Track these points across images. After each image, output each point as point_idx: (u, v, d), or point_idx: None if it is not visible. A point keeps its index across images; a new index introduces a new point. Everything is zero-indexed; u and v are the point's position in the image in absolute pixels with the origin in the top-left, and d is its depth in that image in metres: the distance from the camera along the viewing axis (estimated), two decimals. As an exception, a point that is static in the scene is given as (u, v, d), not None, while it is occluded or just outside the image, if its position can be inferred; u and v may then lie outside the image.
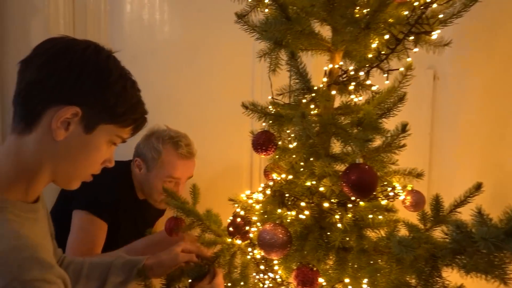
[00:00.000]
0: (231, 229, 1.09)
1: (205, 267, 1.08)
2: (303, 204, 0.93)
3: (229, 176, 1.88)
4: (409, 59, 0.87)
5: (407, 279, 0.80)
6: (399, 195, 1.01)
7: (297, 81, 0.90)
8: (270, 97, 1.04)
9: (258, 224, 1.06)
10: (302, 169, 0.98)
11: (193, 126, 1.87)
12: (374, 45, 0.87)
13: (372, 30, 0.80)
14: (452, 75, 1.67)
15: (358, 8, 0.88)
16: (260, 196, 1.06)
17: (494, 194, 1.51)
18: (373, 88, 0.95)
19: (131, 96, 0.79)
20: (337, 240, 0.90)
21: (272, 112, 1.00)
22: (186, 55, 1.84)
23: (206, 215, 1.12)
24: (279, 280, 1.04)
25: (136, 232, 1.41)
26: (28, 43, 1.82)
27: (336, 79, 0.95)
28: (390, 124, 0.98)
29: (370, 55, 0.89)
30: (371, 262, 0.91)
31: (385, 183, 1.03)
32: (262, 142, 0.96)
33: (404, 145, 0.98)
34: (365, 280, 0.91)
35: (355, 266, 0.94)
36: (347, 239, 0.93)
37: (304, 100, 0.96)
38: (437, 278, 0.74)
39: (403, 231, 0.97)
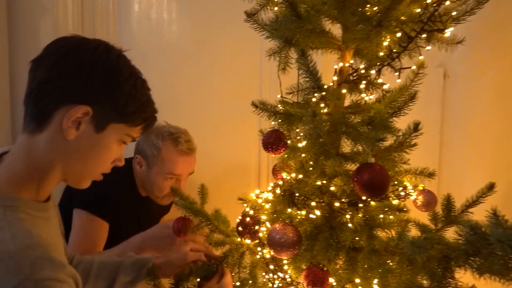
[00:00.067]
0: (240, 228, 1.09)
1: (214, 266, 1.07)
2: (313, 203, 0.93)
3: (237, 175, 1.88)
4: (421, 57, 0.86)
5: (419, 280, 0.79)
6: (411, 195, 1.00)
7: (307, 79, 0.89)
8: (279, 96, 1.03)
9: (267, 223, 1.05)
10: (311, 168, 0.98)
11: (201, 125, 1.87)
12: (385, 43, 0.86)
13: (384, 28, 0.79)
14: (462, 74, 1.65)
15: (369, 5, 0.87)
16: (269, 196, 1.05)
17: (506, 195, 1.50)
18: (385, 86, 0.94)
19: (141, 95, 0.79)
20: (348, 240, 0.89)
21: (282, 111, 0.99)
22: (194, 54, 1.84)
23: (215, 215, 1.12)
24: (288, 280, 1.04)
25: (140, 229, 1.39)
26: (37, 43, 1.84)
27: (347, 78, 0.95)
28: (399, 123, 0.97)
29: (381, 53, 0.87)
30: (381, 262, 0.90)
31: (396, 182, 1.02)
32: (272, 141, 0.96)
33: (415, 144, 0.97)
34: (375, 281, 0.91)
35: (365, 266, 0.93)
36: (357, 239, 0.92)
37: (313, 99, 0.95)
38: (450, 280, 0.73)
39: (413, 231, 0.96)
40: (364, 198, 0.89)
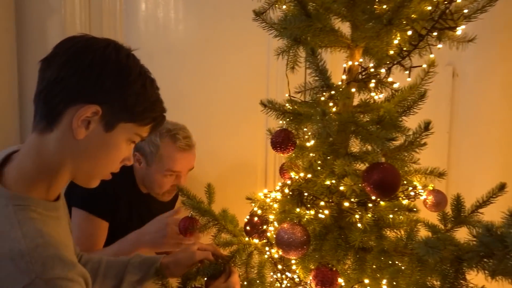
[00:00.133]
0: (248, 228, 1.09)
1: (221, 265, 1.07)
2: (322, 203, 0.92)
3: (243, 175, 1.88)
4: (432, 56, 0.85)
5: (430, 281, 0.78)
6: (421, 195, 0.99)
7: (316, 78, 0.89)
8: (287, 95, 1.03)
9: (275, 223, 1.05)
10: (320, 168, 0.97)
11: (207, 124, 1.87)
12: (395, 42, 0.85)
13: (394, 26, 0.78)
14: (472, 72, 1.64)
15: (378, 3, 0.87)
16: (277, 195, 1.05)
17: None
18: (395, 85, 0.93)
19: (150, 95, 0.79)
20: (357, 240, 0.88)
21: (290, 110, 0.99)
22: (201, 53, 1.84)
23: (222, 215, 1.12)
24: (297, 280, 1.03)
25: (142, 226, 1.39)
26: (45, 43, 1.85)
27: (356, 77, 0.94)
28: (407, 122, 0.96)
29: (391, 52, 0.87)
30: (390, 262, 0.89)
31: (405, 182, 1.01)
32: (281, 141, 0.95)
33: (425, 144, 0.96)
34: (384, 281, 0.90)
35: (374, 266, 0.92)
36: (364, 239, 0.91)
37: (322, 98, 0.95)
38: (461, 281, 0.73)
39: (422, 232, 0.95)
40: (374, 198, 0.88)
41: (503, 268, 0.65)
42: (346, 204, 0.91)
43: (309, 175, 0.96)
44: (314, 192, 0.93)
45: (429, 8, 0.81)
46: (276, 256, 1.06)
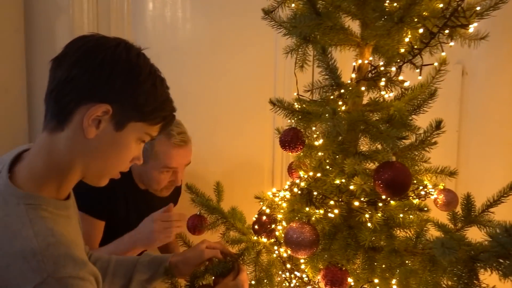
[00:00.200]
0: (256, 227, 1.08)
1: (229, 263, 1.07)
2: (331, 202, 0.92)
3: (250, 174, 1.88)
4: (443, 54, 0.84)
5: (443, 281, 0.77)
6: (431, 194, 0.98)
7: (326, 77, 0.88)
8: (295, 94, 1.02)
9: (284, 222, 1.05)
10: (329, 167, 0.97)
11: (215, 123, 1.88)
12: (406, 40, 0.84)
13: (406, 23, 0.77)
14: (481, 71, 1.62)
15: (388, 1, 0.86)
16: (286, 194, 1.05)
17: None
18: (405, 84, 0.92)
19: (160, 94, 0.79)
20: (367, 240, 0.88)
21: (299, 108, 0.99)
22: (208, 52, 1.84)
23: (231, 212, 1.12)
24: (305, 279, 1.03)
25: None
26: (53, 43, 1.86)
27: (366, 75, 0.93)
28: (417, 121, 0.96)
29: (402, 50, 0.86)
30: (400, 262, 0.88)
31: (415, 181, 1.00)
32: (290, 140, 0.95)
33: (435, 143, 0.95)
34: (394, 281, 0.89)
35: (383, 266, 0.92)
36: (373, 238, 0.91)
37: (331, 97, 0.94)
38: (475, 281, 0.72)
39: (432, 231, 0.94)
40: (384, 197, 0.88)
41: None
42: (356, 203, 0.91)
43: (318, 174, 0.96)
44: (324, 191, 0.93)
45: (441, 5, 0.80)
46: (284, 255, 1.06)
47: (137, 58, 0.76)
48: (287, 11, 0.97)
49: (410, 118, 0.94)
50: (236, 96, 1.84)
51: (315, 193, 0.94)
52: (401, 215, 0.92)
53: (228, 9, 1.80)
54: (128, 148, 0.80)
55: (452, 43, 0.83)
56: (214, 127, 1.88)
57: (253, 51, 1.79)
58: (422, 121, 0.96)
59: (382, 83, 0.91)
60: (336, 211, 0.91)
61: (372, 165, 0.95)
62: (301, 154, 1.03)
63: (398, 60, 0.86)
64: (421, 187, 0.97)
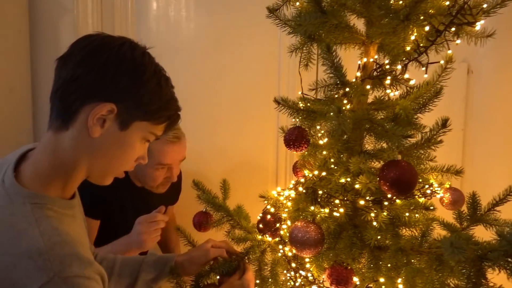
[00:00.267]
0: (261, 226, 1.08)
1: (235, 262, 1.07)
2: (337, 201, 0.91)
3: (254, 173, 1.87)
4: (449, 52, 0.84)
5: (450, 280, 0.77)
6: (437, 193, 0.98)
7: (331, 75, 0.88)
8: (299, 93, 1.02)
9: (288, 221, 1.04)
10: (333, 166, 0.96)
11: (219, 122, 1.88)
12: (412, 37, 0.83)
13: (411, 21, 0.77)
14: (487, 69, 1.61)
15: (394, -1, 0.86)
16: (291, 193, 1.05)
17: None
18: (411, 82, 0.92)
19: (165, 93, 0.79)
20: (372, 239, 0.87)
21: (304, 107, 0.98)
22: (212, 51, 1.84)
23: (237, 211, 1.12)
24: (311, 278, 1.03)
25: None
26: (57, 43, 1.86)
27: (371, 73, 0.93)
28: (421, 119, 0.95)
29: (408, 48, 0.85)
30: (406, 261, 0.88)
31: (420, 180, 1.00)
32: (294, 138, 0.95)
33: (441, 141, 0.95)
34: (399, 280, 0.89)
35: (389, 265, 0.91)
36: (379, 237, 0.90)
37: (336, 95, 0.94)
38: (483, 280, 0.71)
39: (437, 230, 0.94)
40: (389, 196, 0.87)
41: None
42: (361, 202, 0.91)
43: (323, 173, 0.95)
44: (329, 190, 0.92)
45: (447, 3, 0.79)
46: (289, 254, 1.06)
47: (142, 57, 0.76)
48: (292, 10, 0.97)
49: (416, 116, 0.93)
50: (240, 95, 1.84)
51: (320, 192, 0.94)
52: (407, 214, 0.91)
53: (231, 8, 1.80)
54: (133, 148, 0.79)
55: (458, 41, 0.83)
56: (218, 126, 1.88)
57: (257, 50, 1.79)
58: (427, 119, 0.96)
59: (388, 82, 0.91)
60: (341, 210, 0.91)
61: (377, 164, 0.95)
62: (306, 153, 1.02)
63: (404, 58, 0.85)
64: (427, 186, 0.96)
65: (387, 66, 0.91)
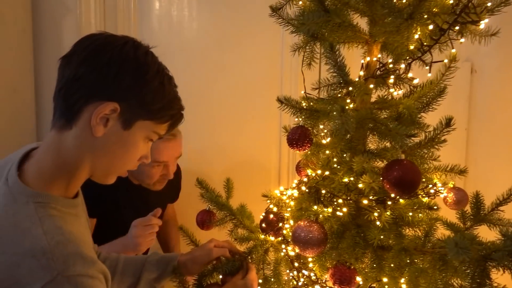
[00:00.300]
0: (264, 225, 1.08)
1: (238, 262, 1.07)
2: (340, 201, 0.91)
3: (257, 172, 1.87)
4: (453, 50, 0.83)
5: (454, 280, 0.76)
6: (441, 193, 0.97)
7: (334, 74, 0.88)
8: (302, 92, 1.02)
9: (291, 221, 1.04)
10: (336, 165, 0.96)
11: (221, 122, 1.88)
12: (416, 36, 0.83)
13: (415, 20, 0.76)
14: (490, 68, 1.60)
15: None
16: (294, 193, 1.04)
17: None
18: (415, 81, 0.91)
19: (168, 92, 0.79)
20: (376, 239, 0.87)
21: (306, 107, 0.98)
22: (214, 50, 1.84)
23: (240, 210, 1.12)
24: (313, 278, 1.02)
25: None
26: (60, 43, 1.87)
27: (374, 72, 0.92)
28: (425, 119, 0.95)
29: (411, 47, 0.85)
30: (409, 261, 0.88)
31: (423, 179, 0.99)
32: (297, 138, 0.95)
33: (445, 141, 0.94)
34: (403, 280, 0.89)
35: (392, 265, 0.91)
36: (382, 237, 0.90)
37: (339, 94, 0.94)
38: (487, 280, 0.71)
39: (440, 230, 0.94)
40: (393, 195, 0.87)
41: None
42: (365, 201, 0.90)
43: (326, 173, 0.95)
44: (332, 189, 0.92)
45: (451, 1, 0.79)
46: (292, 253, 1.06)
47: (145, 56, 0.76)
48: (295, 8, 0.97)
49: (419, 115, 0.93)
50: (243, 94, 1.84)
51: (323, 191, 0.94)
52: (410, 214, 0.91)
53: (234, 7, 1.80)
54: (136, 147, 0.79)
55: (462, 40, 0.82)
56: (221, 126, 1.88)
57: (260, 49, 1.79)
58: (430, 119, 0.95)
59: (391, 81, 0.91)
60: (344, 209, 0.91)
61: (380, 163, 0.95)
62: (309, 152, 1.02)
63: (407, 57, 0.85)
64: (430, 185, 0.96)
65: (391, 65, 0.91)
